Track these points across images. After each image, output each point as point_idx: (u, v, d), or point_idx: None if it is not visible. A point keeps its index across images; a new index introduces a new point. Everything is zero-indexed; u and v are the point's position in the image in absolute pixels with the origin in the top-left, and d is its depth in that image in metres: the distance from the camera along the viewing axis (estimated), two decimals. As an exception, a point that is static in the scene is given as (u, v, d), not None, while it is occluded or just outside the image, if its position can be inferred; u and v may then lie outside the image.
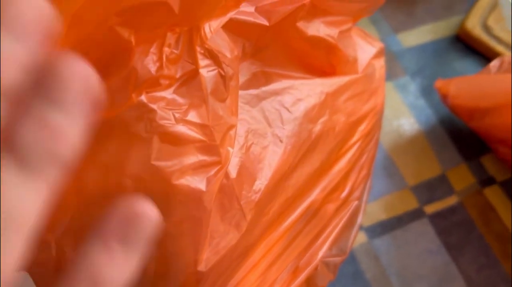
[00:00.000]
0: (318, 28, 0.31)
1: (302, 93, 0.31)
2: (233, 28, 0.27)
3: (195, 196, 0.24)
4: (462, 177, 0.48)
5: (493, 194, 0.47)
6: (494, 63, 0.45)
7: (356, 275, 0.42)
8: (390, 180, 0.47)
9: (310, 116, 0.32)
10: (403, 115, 0.50)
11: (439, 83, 0.47)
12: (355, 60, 0.35)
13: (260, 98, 0.30)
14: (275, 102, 0.30)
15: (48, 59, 0.13)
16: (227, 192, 0.26)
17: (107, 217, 0.15)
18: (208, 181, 0.24)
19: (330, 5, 0.31)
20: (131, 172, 0.23)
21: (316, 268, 0.37)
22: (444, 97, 0.47)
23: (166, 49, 0.23)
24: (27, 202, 0.12)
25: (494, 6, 0.56)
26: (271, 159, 0.29)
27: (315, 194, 0.35)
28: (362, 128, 0.39)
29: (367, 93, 0.39)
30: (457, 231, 0.45)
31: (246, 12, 0.27)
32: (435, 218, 0.45)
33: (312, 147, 0.32)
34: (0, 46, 0.12)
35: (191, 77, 0.24)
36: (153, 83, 0.23)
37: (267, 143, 0.29)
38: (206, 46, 0.24)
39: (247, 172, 0.27)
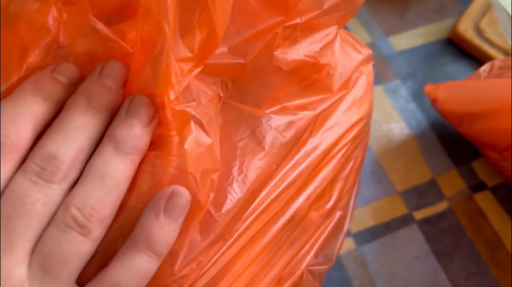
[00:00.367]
0: (298, 51, 0.30)
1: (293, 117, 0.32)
2: (210, 70, 0.27)
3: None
4: (452, 183, 0.47)
5: (484, 200, 0.46)
6: (484, 68, 0.45)
7: (343, 282, 0.42)
8: (379, 186, 0.46)
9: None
10: (393, 120, 0.50)
11: (428, 88, 0.47)
12: (334, 71, 0.35)
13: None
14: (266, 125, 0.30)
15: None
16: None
17: (157, 196, 0.23)
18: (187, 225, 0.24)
19: (312, 22, 0.30)
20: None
21: (301, 277, 0.37)
22: (434, 102, 0.46)
23: None
24: (120, 169, 0.22)
25: (486, 9, 0.55)
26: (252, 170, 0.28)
27: (300, 202, 0.34)
28: (348, 134, 0.39)
29: (355, 104, 0.38)
30: (446, 237, 0.44)
31: (220, 54, 0.27)
32: (424, 224, 0.45)
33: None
34: None
35: (167, 140, 0.24)
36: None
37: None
38: (176, 108, 0.24)
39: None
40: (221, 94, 0.29)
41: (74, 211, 0.21)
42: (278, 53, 0.29)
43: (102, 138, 0.23)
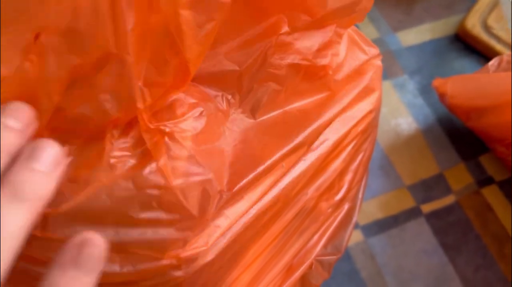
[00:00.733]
0: (293, 55, 0.31)
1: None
2: (208, 80, 0.28)
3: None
4: (459, 177, 0.47)
5: (491, 194, 0.47)
6: (493, 62, 0.45)
7: (351, 274, 0.42)
8: (387, 179, 0.46)
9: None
10: (401, 114, 0.50)
11: (436, 82, 0.47)
12: (337, 71, 0.35)
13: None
14: None
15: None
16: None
17: (64, 248, 0.20)
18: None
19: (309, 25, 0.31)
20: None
21: (310, 267, 0.37)
22: (442, 96, 0.47)
23: None
24: (14, 221, 0.19)
25: (494, 6, 0.55)
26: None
27: (310, 192, 0.35)
28: (358, 127, 0.39)
29: (364, 97, 0.39)
30: (454, 231, 0.45)
31: (216, 62, 0.28)
32: (432, 218, 0.45)
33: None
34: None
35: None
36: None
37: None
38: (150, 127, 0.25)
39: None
40: (224, 108, 0.29)
41: None
42: (274, 59, 0.29)
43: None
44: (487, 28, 0.54)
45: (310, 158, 0.32)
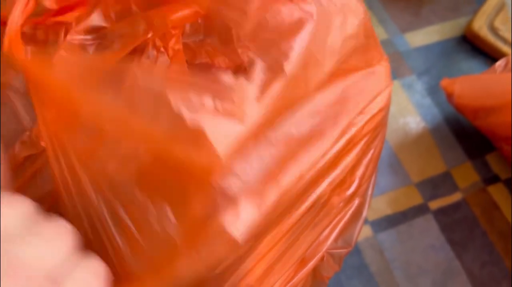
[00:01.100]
0: None
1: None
2: None
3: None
4: (466, 175, 0.48)
5: (497, 192, 0.48)
6: (500, 63, 0.46)
7: (360, 268, 0.43)
8: (395, 176, 0.47)
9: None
10: (409, 114, 0.51)
11: (444, 82, 0.48)
12: None
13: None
14: None
15: None
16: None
17: None
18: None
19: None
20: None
21: (322, 259, 0.38)
22: (450, 96, 0.48)
23: None
24: None
25: (500, 8, 0.57)
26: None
27: (324, 186, 0.36)
28: (369, 124, 0.40)
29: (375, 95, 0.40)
30: (460, 227, 0.46)
31: None
32: (439, 214, 0.46)
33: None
34: None
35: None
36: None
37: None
38: None
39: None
40: None
41: None
42: None
43: None
44: (493, 30, 0.55)
45: (331, 152, 0.33)
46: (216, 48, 0.31)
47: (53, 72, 0.22)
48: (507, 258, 0.44)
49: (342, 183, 0.37)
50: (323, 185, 0.35)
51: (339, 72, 0.35)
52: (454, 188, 0.48)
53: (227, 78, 0.25)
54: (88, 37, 0.27)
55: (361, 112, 0.37)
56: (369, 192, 0.42)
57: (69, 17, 0.26)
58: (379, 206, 0.46)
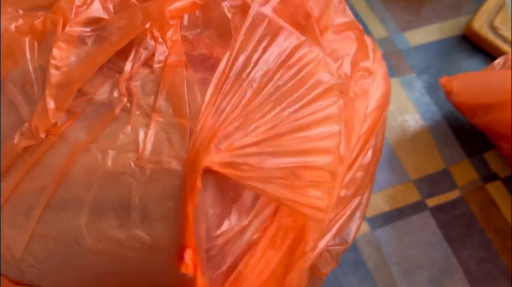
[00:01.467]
0: None
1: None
2: None
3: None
4: (464, 173, 0.48)
5: (495, 190, 0.48)
6: (499, 61, 0.46)
7: (357, 263, 0.43)
8: (393, 173, 0.48)
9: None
10: (408, 111, 0.51)
11: (443, 80, 0.48)
12: None
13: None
14: None
15: None
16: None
17: None
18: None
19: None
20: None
21: (320, 256, 0.38)
22: (448, 94, 0.48)
23: None
24: None
25: (501, 7, 0.57)
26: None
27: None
28: (368, 122, 0.40)
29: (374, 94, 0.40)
30: (458, 224, 0.46)
31: None
32: (437, 211, 0.46)
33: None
34: None
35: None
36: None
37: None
38: None
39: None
40: None
41: None
42: None
43: None
44: (494, 29, 0.55)
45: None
46: (215, 40, 0.31)
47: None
48: (504, 255, 0.45)
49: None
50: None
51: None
52: (452, 185, 0.48)
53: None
54: (87, 28, 0.27)
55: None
56: (368, 190, 0.42)
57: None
58: (377, 202, 0.46)
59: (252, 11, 0.28)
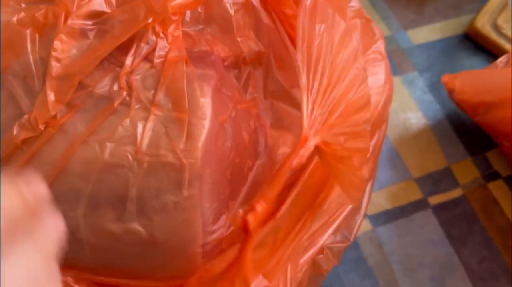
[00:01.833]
0: None
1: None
2: None
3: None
4: (466, 171, 0.48)
5: (497, 189, 0.48)
6: (501, 59, 0.46)
7: (358, 261, 0.43)
8: (395, 171, 0.47)
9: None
10: (411, 109, 0.51)
11: (446, 78, 0.48)
12: None
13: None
14: None
15: None
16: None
17: None
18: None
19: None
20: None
21: (321, 252, 0.38)
22: (451, 92, 0.48)
23: None
24: None
25: (503, 7, 0.57)
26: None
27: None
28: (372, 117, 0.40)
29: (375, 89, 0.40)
30: (460, 223, 0.46)
31: None
32: (439, 210, 0.46)
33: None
34: None
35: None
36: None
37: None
38: None
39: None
40: None
41: None
42: None
43: None
44: (496, 28, 0.55)
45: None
46: (216, 36, 0.31)
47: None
48: (505, 254, 0.44)
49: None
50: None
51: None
52: (454, 184, 0.48)
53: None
54: (89, 22, 0.27)
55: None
56: (369, 187, 0.42)
57: None
58: (378, 200, 0.46)
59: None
